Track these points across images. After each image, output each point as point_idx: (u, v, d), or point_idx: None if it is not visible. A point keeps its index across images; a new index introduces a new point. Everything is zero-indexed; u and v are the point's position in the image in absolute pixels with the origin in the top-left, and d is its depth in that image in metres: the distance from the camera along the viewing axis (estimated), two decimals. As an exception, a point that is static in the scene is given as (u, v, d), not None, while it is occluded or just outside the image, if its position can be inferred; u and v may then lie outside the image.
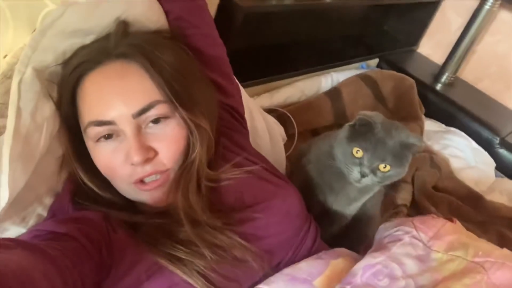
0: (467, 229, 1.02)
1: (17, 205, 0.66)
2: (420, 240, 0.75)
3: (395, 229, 0.80)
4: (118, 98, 0.64)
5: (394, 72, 1.71)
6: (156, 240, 0.66)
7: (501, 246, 1.21)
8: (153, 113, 0.65)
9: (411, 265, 0.70)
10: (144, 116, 0.65)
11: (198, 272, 0.64)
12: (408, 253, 0.72)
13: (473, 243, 0.75)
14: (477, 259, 0.69)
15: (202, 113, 0.71)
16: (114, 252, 0.65)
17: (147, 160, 0.65)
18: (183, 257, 0.64)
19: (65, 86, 0.69)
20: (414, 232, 0.77)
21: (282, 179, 0.81)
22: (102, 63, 0.66)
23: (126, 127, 0.64)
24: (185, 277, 0.63)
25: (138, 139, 0.64)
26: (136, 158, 0.63)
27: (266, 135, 1.14)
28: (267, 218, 0.73)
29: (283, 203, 0.76)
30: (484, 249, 0.72)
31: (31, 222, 0.70)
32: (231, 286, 0.68)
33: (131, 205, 0.72)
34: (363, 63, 1.83)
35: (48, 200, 0.72)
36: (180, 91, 0.67)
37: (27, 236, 0.64)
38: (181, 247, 0.65)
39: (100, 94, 0.65)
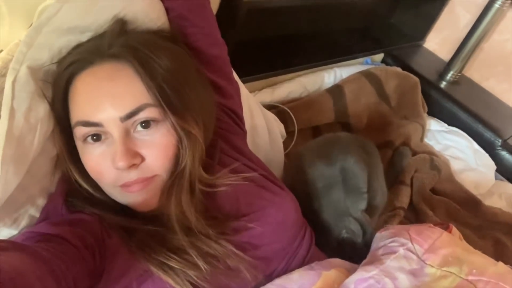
0: (464, 234, 1.01)
1: (9, 207, 0.66)
2: (414, 253, 0.74)
3: (391, 239, 0.79)
4: (107, 100, 0.63)
5: (399, 70, 1.68)
6: (150, 247, 0.66)
7: (497, 252, 1.22)
8: (142, 117, 0.64)
9: (404, 281, 0.69)
10: (132, 120, 0.63)
11: (190, 282, 0.64)
12: (401, 267, 0.71)
13: (468, 258, 0.74)
14: (470, 278, 0.68)
15: (195, 120, 0.69)
16: (107, 257, 0.65)
17: (132, 166, 0.64)
18: (176, 266, 0.64)
19: (58, 85, 0.67)
20: (409, 245, 0.76)
21: (279, 186, 0.80)
22: (94, 63, 0.65)
23: (114, 130, 0.63)
24: (177, 286, 0.63)
25: (125, 143, 0.63)
26: (121, 163, 0.62)
27: (266, 133, 1.13)
28: (262, 227, 0.72)
29: (279, 212, 0.75)
30: (478, 265, 0.71)
31: (23, 223, 0.69)
32: None
33: (125, 208, 0.71)
34: (368, 58, 1.81)
35: (41, 201, 0.71)
36: (172, 96, 0.65)
37: (20, 238, 0.64)
38: (174, 256, 0.64)
39: (89, 94, 0.64)
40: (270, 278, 0.73)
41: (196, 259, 0.65)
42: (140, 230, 0.68)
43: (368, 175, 0.95)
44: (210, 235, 0.68)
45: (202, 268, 0.64)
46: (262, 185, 0.77)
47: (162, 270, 0.64)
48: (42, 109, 0.68)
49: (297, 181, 0.92)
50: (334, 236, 0.89)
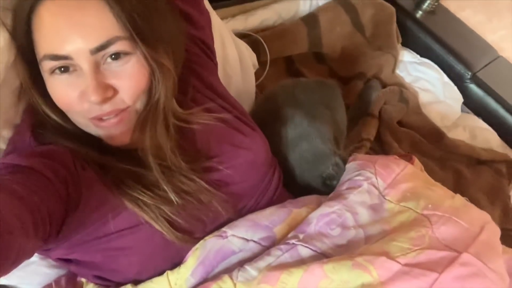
0: (426, 165, 1.06)
1: (-27, 139, 0.65)
2: (377, 188, 0.78)
3: (357, 172, 0.81)
4: (75, 32, 0.60)
5: (375, -2, 1.64)
6: (124, 183, 0.67)
7: (457, 183, 1.29)
8: (112, 50, 0.61)
9: (364, 215, 0.73)
10: (102, 53, 0.61)
11: (163, 217, 0.66)
12: (363, 202, 0.75)
13: (425, 192, 0.78)
14: (425, 212, 0.72)
15: (166, 51, 0.67)
16: (82, 188, 0.65)
17: (105, 100, 0.62)
18: (150, 202, 0.66)
19: (19, 13, 0.63)
20: (374, 179, 0.79)
21: (250, 127, 0.80)
22: None
23: (83, 63, 0.61)
24: (150, 221, 0.65)
25: (96, 77, 0.61)
26: (94, 97, 0.61)
27: (237, 64, 1.12)
28: (232, 168, 0.74)
29: (249, 153, 0.76)
30: (434, 200, 0.75)
31: (-11, 155, 0.69)
32: (196, 227, 0.71)
33: (98, 142, 0.70)
34: (346, -16, 1.75)
35: (6, 133, 0.71)
36: (143, 27, 0.63)
37: None
38: (148, 192, 0.66)
39: (56, 25, 0.60)
40: (240, 213, 0.76)
41: (170, 194, 0.66)
42: (114, 166, 0.69)
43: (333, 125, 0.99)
44: (183, 170, 0.69)
45: (175, 202, 0.66)
46: (234, 126, 0.78)
47: (136, 205, 0.65)
48: (1, 39, 0.65)
49: (268, 123, 0.93)
50: (318, 176, 0.92)
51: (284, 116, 0.94)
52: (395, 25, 1.61)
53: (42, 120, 0.70)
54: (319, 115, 0.96)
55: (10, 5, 0.65)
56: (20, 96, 0.71)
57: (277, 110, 0.95)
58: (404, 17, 1.71)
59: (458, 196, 0.80)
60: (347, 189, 0.79)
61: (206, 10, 0.91)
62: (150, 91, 0.67)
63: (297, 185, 0.90)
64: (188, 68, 0.80)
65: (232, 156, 0.74)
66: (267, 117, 0.95)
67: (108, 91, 0.62)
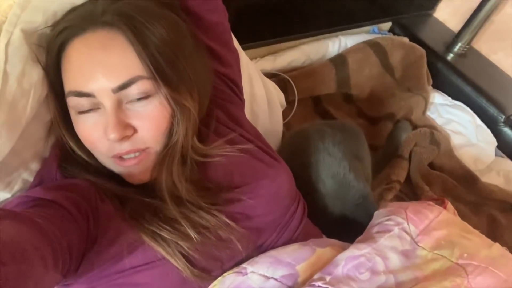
0: (459, 210, 1.01)
1: (2, 171, 0.66)
2: (409, 234, 0.74)
3: (387, 217, 0.78)
4: (99, 71, 0.61)
5: (405, 40, 1.64)
6: (142, 217, 0.66)
7: (491, 229, 1.23)
8: (134, 89, 0.62)
9: (395, 261, 0.69)
10: (125, 92, 0.62)
11: (181, 253, 0.64)
12: (394, 247, 0.71)
13: (461, 241, 0.73)
14: (461, 261, 0.68)
15: (190, 91, 0.68)
16: (100, 222, 0.65)
17: (124, 138, 0.63)
18: (168, 237, 0.64)
19: (51, 51, 0.66)
20: (405, 224, 0.75)
21: (273, 158, 0.79)
22: (87, 30, 0.63)
23: (106, 101, 0.62)
24: (167, 256, 0.64)
25: (117, 115, 0.62)
26: (113, 135, 0.62)
27: (265, 102, 1.12)
28: (255, 199, 0.72)
29: (272, 184, 0.75)
30: (470, 249, 0.71)
31: (17, 187, 0.70)
32: (213, 265, 0.69)
33: (119, 176, 0.71)
34: (375, 27, 1.76)
35: (35, 166, 0.72)
36: (166, 68, 0.64)
37: (15, 202, 0.64)
38: (166, 227, 0.65)
39: (82, 63, 0.63)
40: (260, 249, 0.74)
41: (187, 229, 0.65)
42: (134, 199, 0.69)
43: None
44: (201, 205, 0.68)
45: (194, 238, 0.65)
46: (257, 157, 0.77)
47: (154, 240, 0.64)
48: (35, 74, 0.67)
49: (296, 163, 0.92)
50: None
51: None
52: (425, 67, 1.60)
53: (69, 155, 0.71)
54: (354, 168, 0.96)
55: (44, 42, 0.68)
56: (50, 130, 0.73)
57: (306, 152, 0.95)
58: (435, 60, 1.70)
59: (496, 245, 0.75)
60: (377, 232, 0.76)
61: (235, 48, 0.93)
62: (170, 132, 0.68)
63: (329, 216, 0.88)
64: (213, 102, 0.80)
65: (255, 186, 0.73)
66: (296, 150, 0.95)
67: (127, 130, 0.63)
